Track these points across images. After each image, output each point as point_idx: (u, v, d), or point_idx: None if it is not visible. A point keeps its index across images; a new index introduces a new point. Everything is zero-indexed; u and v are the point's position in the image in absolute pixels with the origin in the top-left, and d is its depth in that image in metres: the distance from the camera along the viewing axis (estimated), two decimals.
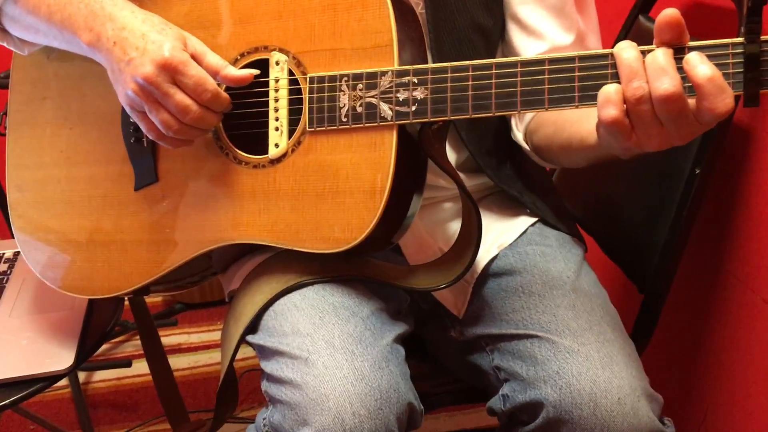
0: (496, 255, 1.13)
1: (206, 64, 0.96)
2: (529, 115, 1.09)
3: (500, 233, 1.15)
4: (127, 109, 0.98)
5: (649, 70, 0.76)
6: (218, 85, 0.96)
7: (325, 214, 0.96)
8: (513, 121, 1.12)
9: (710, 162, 1.16)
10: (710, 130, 1.11)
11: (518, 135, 1.11)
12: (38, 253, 1.14)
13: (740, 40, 0.75)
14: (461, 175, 1.02)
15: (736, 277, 1.29)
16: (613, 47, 0.80)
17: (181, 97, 0.93)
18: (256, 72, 0.98)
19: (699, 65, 0.74)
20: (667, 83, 0.75)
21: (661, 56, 0.76)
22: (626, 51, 0.78)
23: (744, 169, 1.24)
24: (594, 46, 1.13)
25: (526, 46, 1.09)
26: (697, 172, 1.16)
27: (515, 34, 1.10)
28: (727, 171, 1.27)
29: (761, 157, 1.20)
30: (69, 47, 1.02)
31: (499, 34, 1.11)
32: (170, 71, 0.92)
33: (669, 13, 0.76)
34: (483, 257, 1.12)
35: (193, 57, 0.95)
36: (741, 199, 1.26)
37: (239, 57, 1.01)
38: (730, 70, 0.76)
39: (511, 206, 1.18)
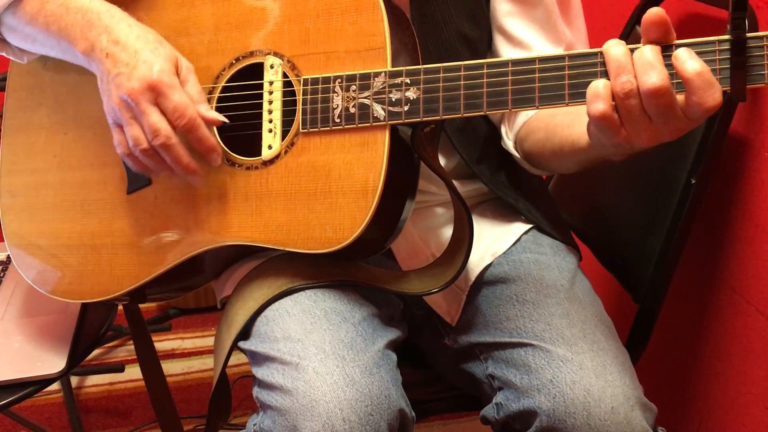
0: (490, 263, 1.12)
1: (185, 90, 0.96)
2: (518, 123, 1.09)
3: (494, 240, 1.14)
4: (108, 119, 0.99)
5: (637, 64, 0.77)
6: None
7: (317, 214, 0.96)
8: (503, 130, 1.12)
9: (706, 172, 1.16)
10: (705, 140, 1.13)
11: (509, 143, 1.11)
12: (29, 258, 1.14)
13: (726, 37, 0.76)
14: (454, 182, 1.02)
15: (730, 286, 1.29)
16: None
17: (156, 118, 0.94)
18: (226, 121, 0.98)
19: (688, 60, 0.75)
20: (654, 77, 0.76)
21: (649, 51, 0.77)
22: (614, 47, 0.79)
23: (739, 180, 1.24)
24: None
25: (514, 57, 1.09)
26: (693, 182, 1.16)
27: (502, 45, 1.10)
28: (723, 181, 1.27)
29: (756, 167, 1.20)
30: (65, 56, 1.03)
31: (486, 46, 1.11)
32: (155, 93, 0.93)
33: (655, 12, 0.77)
34: (477, 265, 1.11)
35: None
36: (736, 209, 1.26)
37: (234, 61, 1.01)
38: (717, 66, 0.77)
39: (505, 213, 1.18)
